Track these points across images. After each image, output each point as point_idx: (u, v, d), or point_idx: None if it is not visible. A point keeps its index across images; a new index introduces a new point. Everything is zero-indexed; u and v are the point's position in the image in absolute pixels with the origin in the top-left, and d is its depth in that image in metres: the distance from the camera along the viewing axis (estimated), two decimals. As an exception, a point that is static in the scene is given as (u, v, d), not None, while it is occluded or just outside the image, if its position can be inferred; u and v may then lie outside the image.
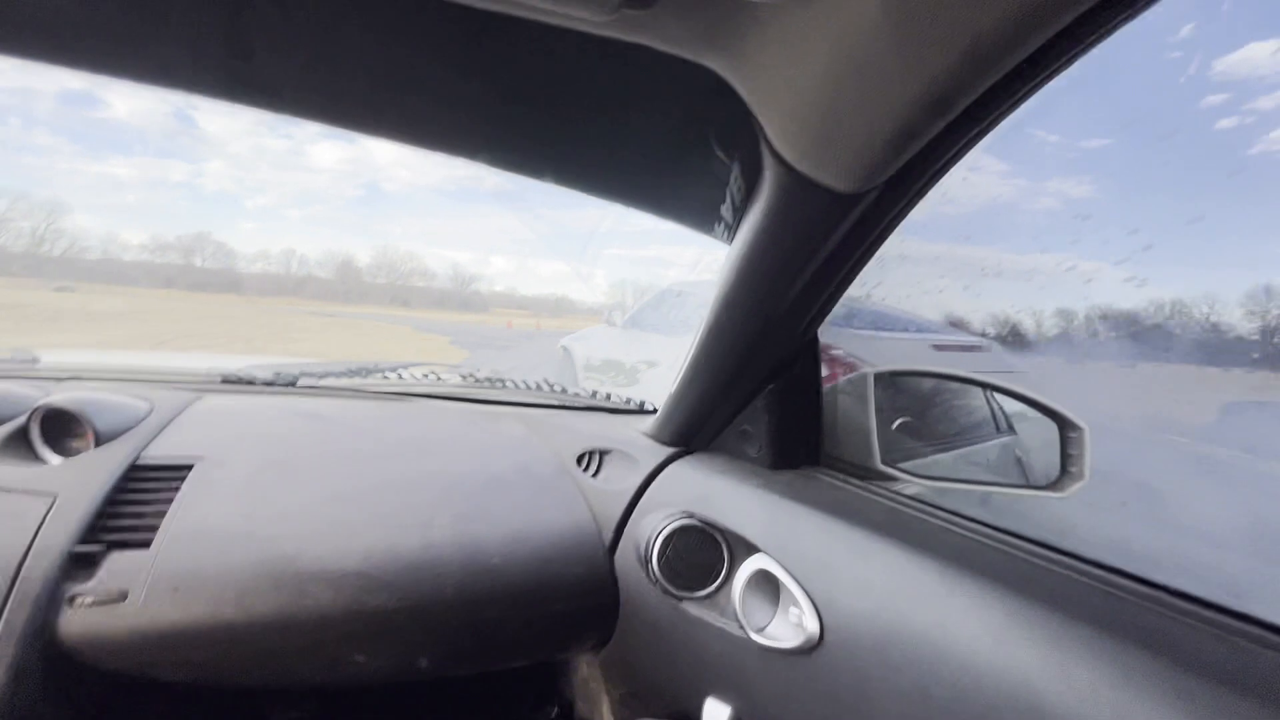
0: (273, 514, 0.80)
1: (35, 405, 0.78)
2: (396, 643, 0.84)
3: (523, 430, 1.06)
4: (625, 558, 0.90)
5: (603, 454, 1.01)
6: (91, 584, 0.69)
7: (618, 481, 0.95)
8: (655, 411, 1.10)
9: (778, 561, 0.71)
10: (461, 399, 1.14)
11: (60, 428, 0.81)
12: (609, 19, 0.38)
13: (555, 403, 1.15)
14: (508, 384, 1.17)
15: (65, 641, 0.67)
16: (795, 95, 0.41)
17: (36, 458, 0.78)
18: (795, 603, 0.67)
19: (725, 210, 0.75)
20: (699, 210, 0.77)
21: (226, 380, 1.08)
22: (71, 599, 0.68)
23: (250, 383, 1.09)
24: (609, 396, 1.16)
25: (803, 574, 0.68)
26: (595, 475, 0.98)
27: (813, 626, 0.64)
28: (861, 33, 0.33)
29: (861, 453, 0.84)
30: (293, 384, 1.12)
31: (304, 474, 0.87)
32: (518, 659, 0.96)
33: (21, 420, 0.78)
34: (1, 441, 0.75)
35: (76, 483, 0.74)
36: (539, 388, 1.16)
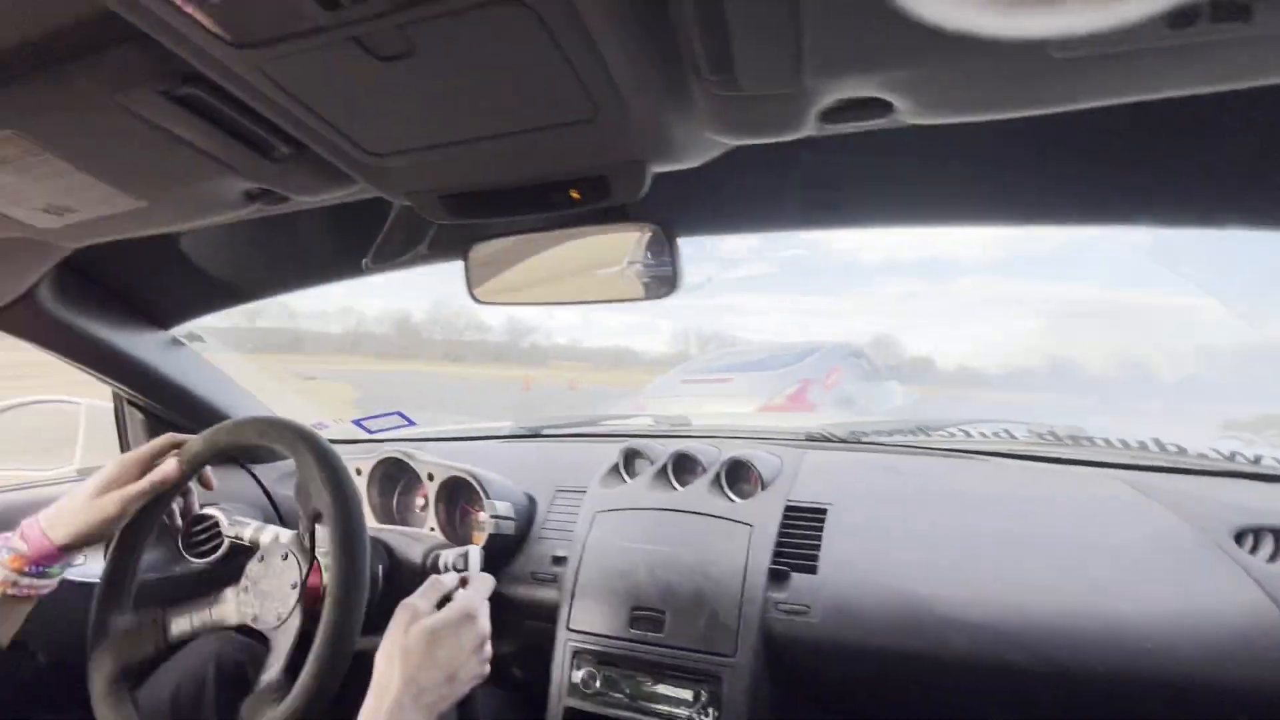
0: (899, 558, 0.92)
1: (722, 459, 1.12)
2: (1031, 706, 0.84)
3: (1134, 496, 0.94)
4: (1359, 677, 0.69)
5: (1277, 533, 0.81)
6: (784, 595, 0.93)
7: (1322, 572, 0.74)
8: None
9: None
10: (1038, 459, 1.09)
11: (734, 474, 1.12)
12: None
13: (1173, 465, 0.98)
14: (1097, 441, 1.07)
15: (772, 637, 0.92)
16: None
17: (726, 496, 1.10)
18: None
19: None
20: None
21: (810, 437, 1.31)
22: (775, 605, 0.92)
23: (828, 440, 1.29)
24: (1259, 459, 0.93)
25: None
26: (1273, 559, 0.79)
27: None
28: None
29: None
30: (861, 441, 1.28)
31: (913, 524, 0.97)
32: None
33: (716, 468, 1.12)
34: (710, 482, 1.10)
35: (760, 516, 1.01)
36: (1144, 446, 1.02)
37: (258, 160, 0.60)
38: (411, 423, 1.52)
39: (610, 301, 0.67)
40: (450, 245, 1.05)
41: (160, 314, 1.12)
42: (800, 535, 0.99)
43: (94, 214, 0.68)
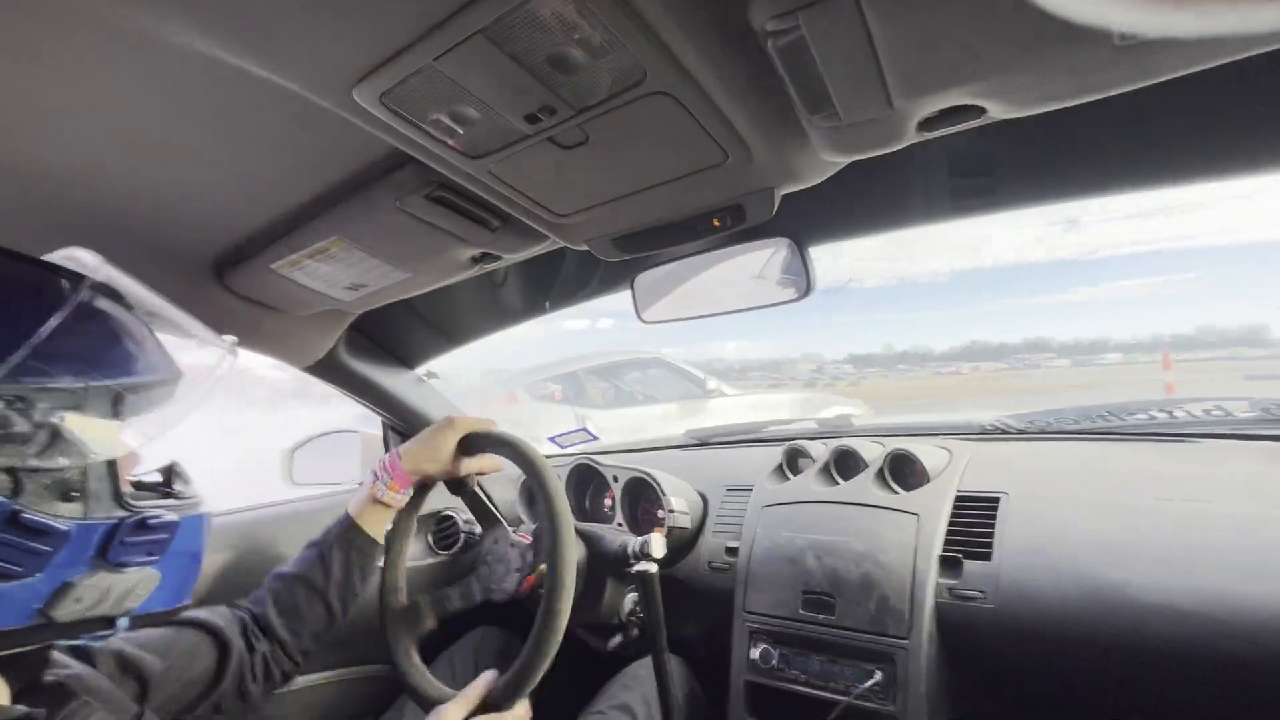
0: (1086, 543, 0.89)
1: (887, 451, 1.14)
2: (1249, 693, 0.76)
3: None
4: None
5: None
6: (957, 581, 0.94)
7: None
8: None
9: None
10: (1266, 437, 0.96)
11: (898, 467, 1.14)
12: None
13: None
14: (1345, 414, 0.92)
15: (947, 622, 0.93)
16: None
17: (890, 488, 1.12)
18: None
19: None
20: None
21: (984, 431, 1.27)
22: (948, 590, 0.94)
23: (1006, 432, 1.24)
24: None
25: None
26: None
27: None
28: None
29: None
30: (1044, 431, 1.21)
31: (1103, 509, 0.92)
32: None
33: (879, 463, 1.15)
34: (874, 476, 1.13)
35: (928, 506, 1.02)
36: None
37: (480, 231, 0.81)
38: (595, 437, 1.73)
39: (755, 309, 0.77)
40: (617, 281, 1.23)
41: (407, 357, 1.45)
42: (972, 523, 0.98)
43: (377, 286, 0.95)
